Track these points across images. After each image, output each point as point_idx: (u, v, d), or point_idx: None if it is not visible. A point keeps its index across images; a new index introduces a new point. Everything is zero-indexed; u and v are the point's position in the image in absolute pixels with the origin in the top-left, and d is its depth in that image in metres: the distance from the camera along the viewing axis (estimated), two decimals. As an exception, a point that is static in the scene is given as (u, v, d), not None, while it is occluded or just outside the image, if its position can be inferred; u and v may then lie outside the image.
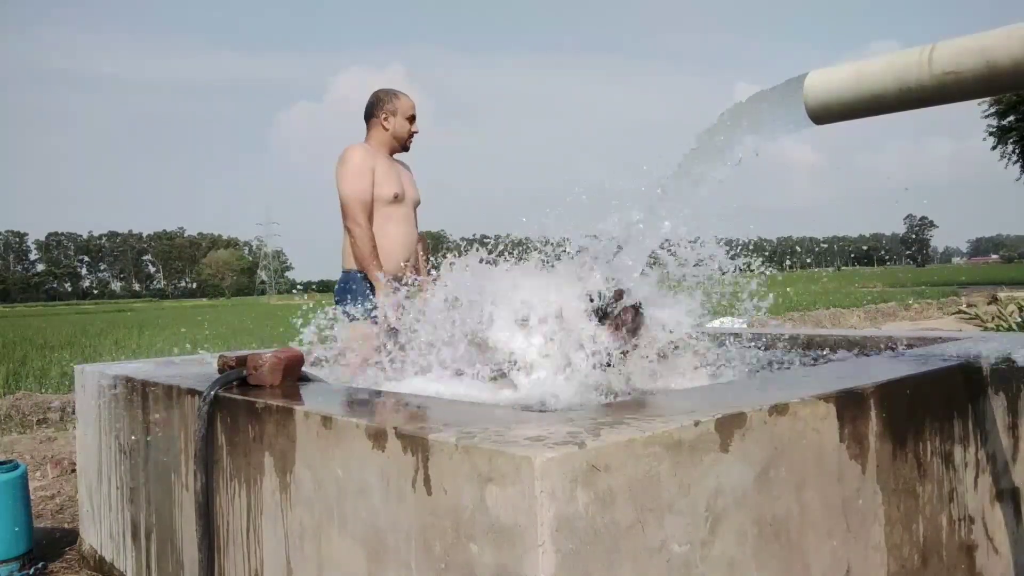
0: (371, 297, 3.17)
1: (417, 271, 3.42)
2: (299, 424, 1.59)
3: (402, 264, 3.29)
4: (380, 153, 3.29)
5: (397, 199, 3.25)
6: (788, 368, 2.56)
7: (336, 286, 3.30)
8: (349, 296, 3.18)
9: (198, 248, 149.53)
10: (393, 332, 2.45)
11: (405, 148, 3.39)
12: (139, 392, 2.40)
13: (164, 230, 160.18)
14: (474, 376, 2.12)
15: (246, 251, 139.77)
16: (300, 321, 2.62)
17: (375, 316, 2.79)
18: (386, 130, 3.30)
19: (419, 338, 2.28)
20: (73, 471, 4.42)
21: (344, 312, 3.19)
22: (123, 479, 2.56)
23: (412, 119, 3.36)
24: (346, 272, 3.22)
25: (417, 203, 3.43)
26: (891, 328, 12.58)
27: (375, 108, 3.30)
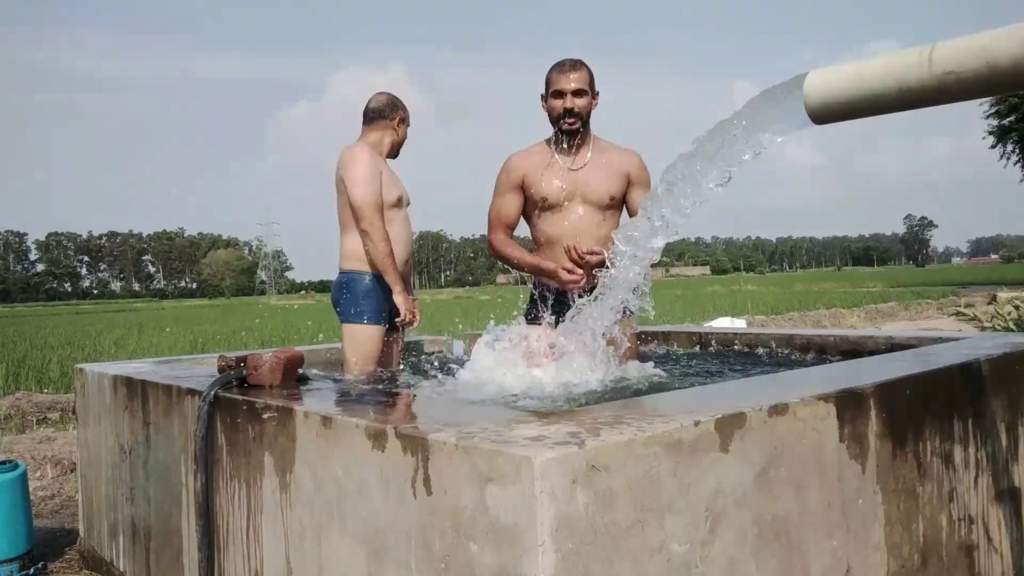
0: (376, 297, 3.18)
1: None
2: (299, 424, 1.59)
3: (403, 265, 3.30)
4: (379, 157, 3.29)
5: (400, 202, 3.27)
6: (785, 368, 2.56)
7: (334, 286, 3.30)
8: (349, 296, 3.18)
9: (198, 248, 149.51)
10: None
11: (397, 155, 3.42)
12: (139, 392, 2.40)
13: (164, 230, 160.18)
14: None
15: (246, 251, 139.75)
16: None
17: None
18: (396, 134, 3.32)
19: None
20: (73, 471, 4.42)
21: (339, 312, 3.21)
22: (123, 479, 2.56)
23: (408, 123, 3.40)
24: (346, 272, 3.22)
25: (408, 205, 3.44)
26: (891, 328, 12.59)
27: (388, 111, 3.30)
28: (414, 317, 3.34)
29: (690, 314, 15.60)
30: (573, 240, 2.62)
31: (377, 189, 3.15)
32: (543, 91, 2.80)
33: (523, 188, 2.82)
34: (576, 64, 2.74)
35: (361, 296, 3.15)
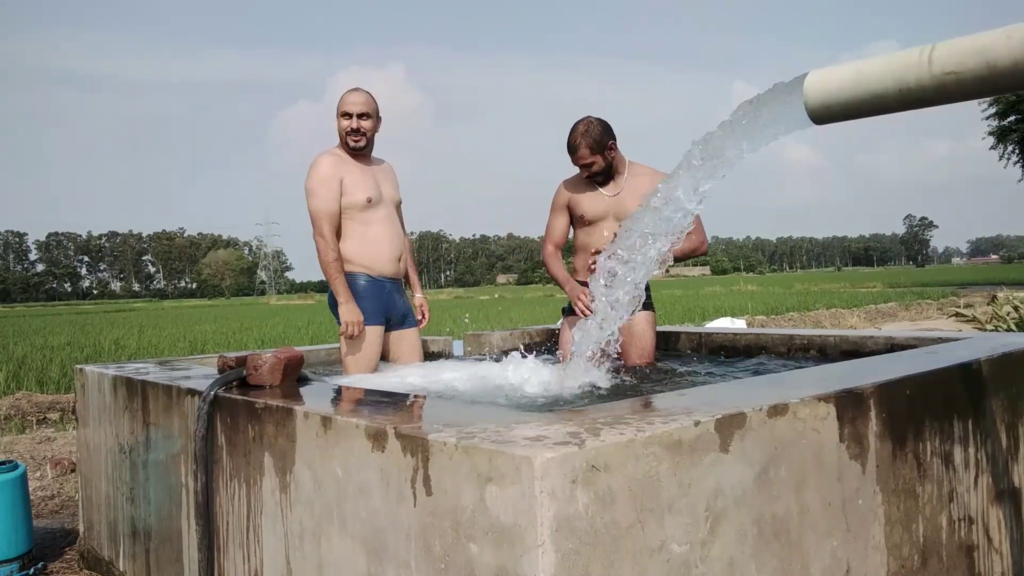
0: (371, 298, 3.17)
1: (406, 272, 3.43)
2: (299, 424, 1.59)
3: (395, 263, 3.27)
4: (349, 158, 3.21)
5: (371, 202, 3.17)
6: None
7: (330, 289, 3.28)
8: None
9: (198, 248, 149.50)
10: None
11: (353, 148, 3.20)
12: (139, 392, 2.41)
13: (164, 230, 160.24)
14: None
15: (246, 251, 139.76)
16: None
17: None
18: (338, 130, 3.22)
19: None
20: (73, 471, 4.42)
21: (336, 315, 3.20)
22: (123, 479, 2.56)
23: (346, 115, 3.17)
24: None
25: (398, 203, 3.36)
26: (891, 328, 12.59)
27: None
28: (355, 327, 3.12)
29: (690, 314, 15.60)
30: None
31: (329, 197, 3.10)
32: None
33: (569, 208, 3.36)
34: (575, 147, 3.17)
35: (355, 297, 3.13)
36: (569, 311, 3.38)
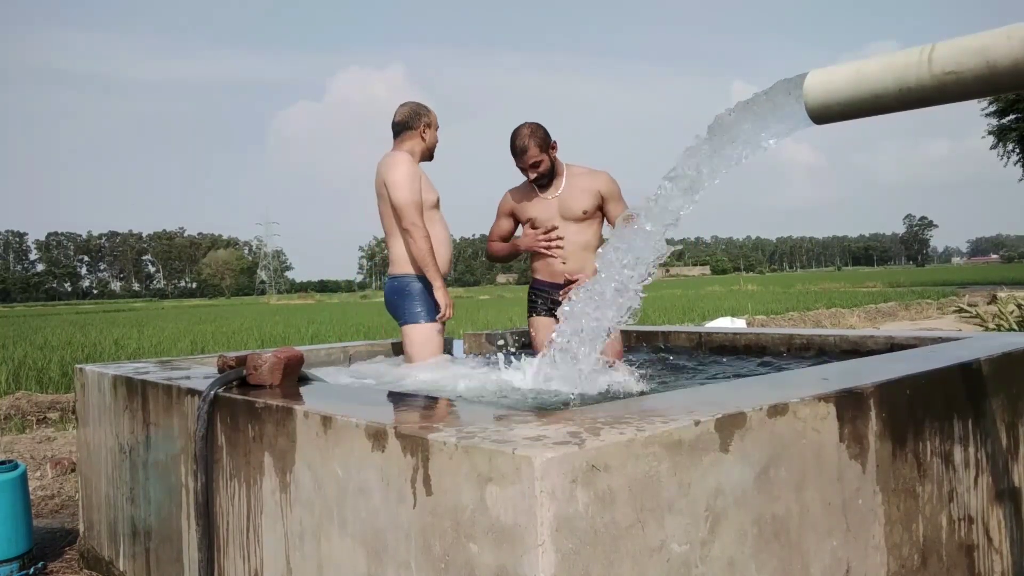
0: (431, 297, 3.32)
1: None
2: (299, 424, 1.59)
3: (448, 263, 3.44)
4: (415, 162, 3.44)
5: (438, 204, 3.42)
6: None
7: (388, 291, 3.44)
8: (406, 300, 3.33)
9: (198, 248, 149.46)
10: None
11: (432, 158, 3.54)
12: (139, 392, 2.40)
13: (164, 230, 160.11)
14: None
15: (246, 251, 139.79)
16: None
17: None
18: (424, 141, 3.44)
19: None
20: (73, 471, 4.42)
21: (399, 316, 3.31)
22: (123, 479, 2.56)
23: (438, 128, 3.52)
24: (398, 277, 3.36)
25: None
26: (891, 328, 12.58)
27: (414, 120, 3.44)
28: (452, 309, 3.53)
29: (690, 314, 15.59)
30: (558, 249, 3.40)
31: (417, 189, 3.30)
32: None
33: (513, 214, 3.55)
34: (524, 148, 3.30)
35: (417, 297, 3.32)
36: (533, 311, 3.54)
